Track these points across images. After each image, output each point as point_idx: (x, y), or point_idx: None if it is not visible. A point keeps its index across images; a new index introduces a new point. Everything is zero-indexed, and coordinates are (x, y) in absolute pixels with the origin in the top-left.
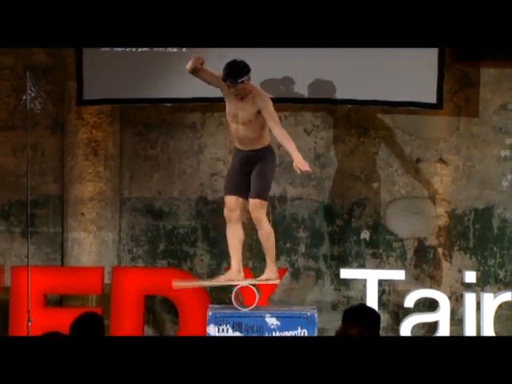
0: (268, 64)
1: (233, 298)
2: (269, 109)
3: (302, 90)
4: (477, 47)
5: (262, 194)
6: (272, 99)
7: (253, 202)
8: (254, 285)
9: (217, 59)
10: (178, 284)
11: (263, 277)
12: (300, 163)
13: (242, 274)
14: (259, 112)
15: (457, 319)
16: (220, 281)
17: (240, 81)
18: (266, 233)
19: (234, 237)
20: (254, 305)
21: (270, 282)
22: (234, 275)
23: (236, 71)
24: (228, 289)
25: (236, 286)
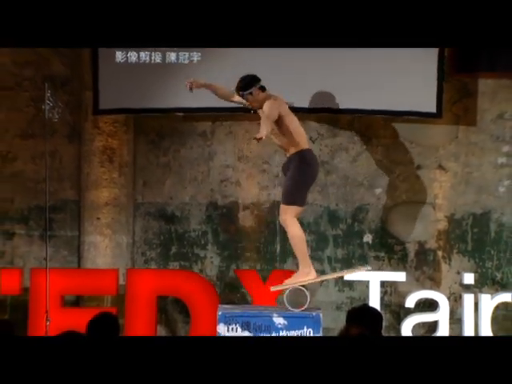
0: (273, 74)
1: (285, 299)
2: (264, 110)
3: (307, 99)
4: (475, 53)
5: (286, 199)
6: None
7: (280, 207)
8: (304, 285)
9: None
10: (275, 288)
11: (293, 280)
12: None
13: (313, 272)
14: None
15: (456, 319)
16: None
17: (248, 92)
18: (290, 236)
19: (291, 240)
20: (306, 305)
21: (305, 282)
22: (304, 275)
23: (243, 83)
24: (236, 289)
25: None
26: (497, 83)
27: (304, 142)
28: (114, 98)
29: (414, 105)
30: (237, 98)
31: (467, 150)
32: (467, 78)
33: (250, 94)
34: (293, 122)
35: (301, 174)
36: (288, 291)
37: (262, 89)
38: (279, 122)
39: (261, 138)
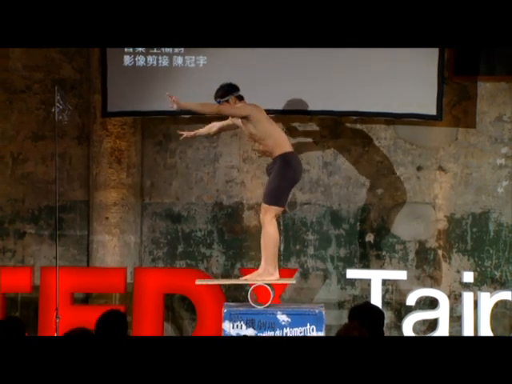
0: (276, 77)
1: (249, 297)
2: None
3: (309, 102)
4: (475, 56)
5: (267, 199)
6: (283, 111)
7: (261, 206)
8: (269, 284)
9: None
10: (200, 282)
11: (252, 276)
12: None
13: (277, 274)
14: (248, 121)
15: (455, 316)
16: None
17: (224, 99)
18: (266, 236)
19: (261, 239)
20: (269, 303)
21: (264, 281)
22: (268, 275)
23: (221, 91)
24: (241, 287)
25: (251, 285)
26: (495, 86)
27: (287, 145)
28: (122, 100)
29: (414, 107)
30: (216, 127)
31: (467, 151)
32: (466, 80)
33: (227, 101)
34: (273, 126)
35: (284, 176)
36: (252, 288)
37: (240, 98)
38: (259, 127)
39: (176, 103)
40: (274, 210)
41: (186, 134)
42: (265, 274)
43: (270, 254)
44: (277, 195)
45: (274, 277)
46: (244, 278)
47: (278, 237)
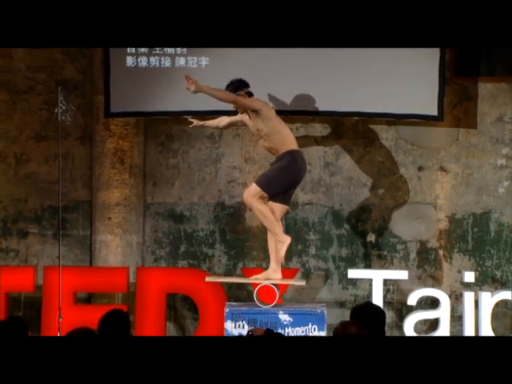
0: (278, 78)
1: (255, 296)
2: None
3: (310, 102)
4: (475, 57)
5: (259, 180)
6: (285, 112)
7: (250, 185)
8: (275, 284)
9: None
10: (210, 279)
11: (263, 275)
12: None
13: (279, 273)
14: (257, 115)
15: (456, 316)
16: (258, 278)
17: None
18: (257, 211)
19: (269, 238)
20: (274, 302)
21: (270, 282)
22: (270, 274)
23: (231, 87)
24: (243, 287)
25: (257, 285)
26: (496, 87)
27: (294, 143)
28: (125, 101)
29: (415, 108)
30: (225, 121)
31: (468, 151)
32: (467, 81)
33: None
34: (281, 123)
35: (287, 170)
36: (258, 288)
37: (249, 94)
38: (268, 123)
39: (195, 85)
40: (258, 194)
41: (195, 122)
42: (282, 247)
43: (272, 225)
44: (270, 182)
45: (286, 242)
46: (254, 276)
47: (267, 207)
